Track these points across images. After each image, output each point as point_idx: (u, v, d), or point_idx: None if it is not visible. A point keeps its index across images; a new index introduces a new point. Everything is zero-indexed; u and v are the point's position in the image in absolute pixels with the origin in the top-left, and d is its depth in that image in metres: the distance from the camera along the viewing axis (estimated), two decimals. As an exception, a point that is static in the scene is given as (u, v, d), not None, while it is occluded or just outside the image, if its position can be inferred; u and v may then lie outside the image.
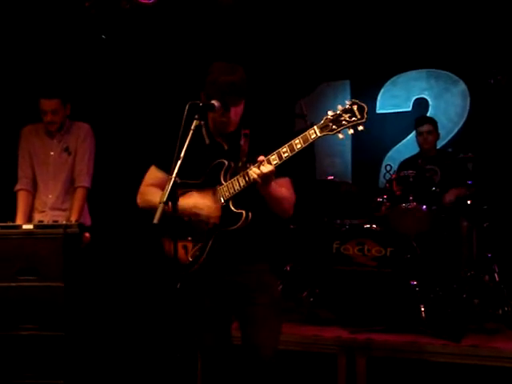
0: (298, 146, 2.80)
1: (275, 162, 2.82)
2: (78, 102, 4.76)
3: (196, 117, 2.80)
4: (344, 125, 2.76)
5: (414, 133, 6.05)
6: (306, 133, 2.80)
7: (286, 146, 2.82)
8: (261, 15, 6.60)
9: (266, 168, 2.80)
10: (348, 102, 2.79)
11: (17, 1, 5.66)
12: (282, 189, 3.03)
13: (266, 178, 2.82)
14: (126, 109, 6.56)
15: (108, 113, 6.35)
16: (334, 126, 2.76)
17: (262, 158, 2.83)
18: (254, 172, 2.83)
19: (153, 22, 6.43)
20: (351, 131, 2.78)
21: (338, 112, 2.78)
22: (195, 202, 2.99)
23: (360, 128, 2.77)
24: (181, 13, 6.43)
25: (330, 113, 2.79)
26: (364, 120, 2.75)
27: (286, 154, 2.82)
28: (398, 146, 6.88)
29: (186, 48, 6.69)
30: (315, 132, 2.78)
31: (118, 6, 6.14)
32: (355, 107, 2.76)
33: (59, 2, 5.91)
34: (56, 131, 4.64)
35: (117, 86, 6.56)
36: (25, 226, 4.11)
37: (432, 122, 5.85)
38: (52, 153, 4.66)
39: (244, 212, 2.93)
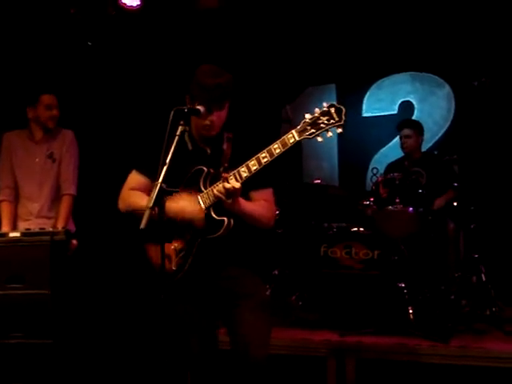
0: (277, 150, 2.80)
1: (255, 168, 2.82)
2: (62, 108, 4.74)
3: (181, 122, 2.80)
4: (322, 128, 2.75)
5: (399, 136, 6.09)
6: (285, 137, 2.80)
7: (265, 151, 2.82)
8: (246, 20, 6.61)
9: (229, 184, 2.80)
10: (325, 105, 2.78)
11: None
12: (257, 205, 3.03)
13: (229, 194, 2.81)
14: (109, 114, 6.55)
15: (92, 118, 6.34)
16: (312, 130, 2.76)
17: (225, 175, 2.83)
18: (216, 190, 2.85)
19: (138, 28, 6.43)
20: (330, 134, 2.77)
21: (316, 115, 2.77)
22: (182, 205, 2.96)
23: (339, 130, 2.76)
24: (166, 18, 6.43)
25: (307, 116, 2.79)
26: (342, 122, 2.74)
27: (265, 160, 2.82)
28: (384, 148, 6.90)
29: (172, 53, 6.69)
30: (294, 136, 2.78)
31: (104, 12, 6.13)
32: (333, 109, 2.76)
33: (44, 8, 5.90)
34: (44, 134, 4.62)
35: (101, 92, 6.55)
36: (11, 234, 4.08)
37: (412, 125, 5.85)
38: (37, 159, 4.62)
39: (226, 219, 2.91)
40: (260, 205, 3.05)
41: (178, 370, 3.12)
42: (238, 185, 2.81)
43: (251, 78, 6.73)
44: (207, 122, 2.99)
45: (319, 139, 2.78)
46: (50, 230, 4.12)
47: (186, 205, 2.96)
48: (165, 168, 2.67)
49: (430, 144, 6.54)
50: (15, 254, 3.96)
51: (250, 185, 2.95)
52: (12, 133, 4.72)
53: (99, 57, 6.51)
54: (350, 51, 6.82)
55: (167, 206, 2.78)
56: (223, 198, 2.83)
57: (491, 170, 6.04)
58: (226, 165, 3.00)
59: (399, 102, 6.96)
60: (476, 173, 5.92)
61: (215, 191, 2.87)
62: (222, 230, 2.91)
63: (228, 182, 2.81)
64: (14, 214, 4.63)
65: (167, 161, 2.68)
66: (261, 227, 3.10)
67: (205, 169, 2.99)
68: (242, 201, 2.92)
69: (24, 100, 4.64)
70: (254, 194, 3.06)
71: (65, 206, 4.58)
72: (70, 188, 4.62)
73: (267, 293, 5.22)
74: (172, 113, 2.77)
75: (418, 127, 5.84)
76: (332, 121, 2.75)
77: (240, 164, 2.87)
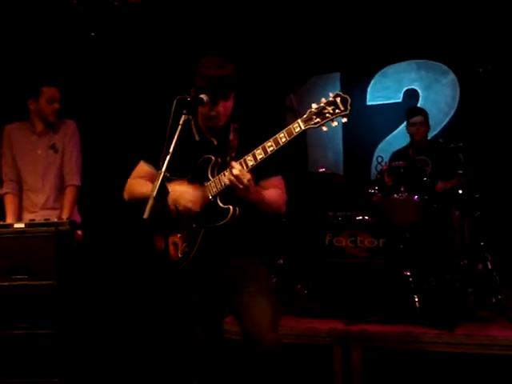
0: (283, 139, 2.82)
1: (260, 157, 2.84)
2: (66, 98, 4.73)
3: (184, 111, 2.80)
4: (328, 117, 2.77)
5: (404, 124, 6.06)
6: (291, 126, 2.82)
7: (271, 140, 2.84)
8: (250, 9, 6.59)
9: (236, 171, 2.81)
10: (331, 95, 2.80)
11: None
12: (268, 191, 3.05)
13: (239, 182, 2.82)
14: (114, 104, 6.55)
15: (97, 109, 6.35)
16: (317, 119, 2.78)
17: (234, 163, 2.84)
18: (224, 178, 2.87)
19: (141, 19, 6.41)
20: (335, 123, 2.79)
21: (322, 105, 2.79)
22: (175, 188, 2.95)
23: (344, 120, 2.78)
24: (169, 8, 6.41)
25: (313, 106, 2.81)
26: (347, 112, 2.76)
27: (270, 148, 2.83)
28: (389, 137, 6.89)
29: (175, 43, 6.68)
30: (299, 125, 2.80)
31: (107, 2, 6.12)
32: (338, 99, 2.77)
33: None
34: (45, 126, 4.60)
35: (105, 83, 6.55)
36: (16, 225, 4.07)
37: (424, 113, 5.87)
38: (39, 151, 4.61)
39: (231, 207, 2.93)
40: (271, 192, 3.07)
41: (183, 358, 3.13)
42: (244, 171, 2.82)
43: (255, 67, 6.71)
44: (213, 113, 3.01)
45: (324, 128, 2.80)
46: (55, 220, 4.13)
47: (185, 190, 2.98)
48: (168, 157, 2.68)
49: (435, 132, 6.51)
50: (20, 245, 3.97)
51: (260, 174, 2.97)
52: (12, 125, 4.70)
53: (102, 48, 6.50)
54: (354, 39, 6.80)
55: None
56: (237, 184, 2.82)
57: (496, 158, 6.03)
58: (233, 155, 3.02)
59: (404, 90, 6.93)
60: (481, 160, 5.91)
61: (226, 180, 2.88)
62: (227, 218, 2.93)
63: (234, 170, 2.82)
64: (18, 206, 4.63)
65: (170, 150, 2.69)
66: (273, 213, 3.14)
67: (212, 158, 3.01)
68: (254, 188, 2.93)
69: (25, 91, 4.62)
70: (264, 183, 3.08)
71: (69, 196, 4.58)
72: (74, 179, 4.63)
73: (272, 280, 5.24)
74: (175, 102, 2.78)
75: (427, 116, 5.87)
76: (337, 110, 2.77)
77: (247, 154, 2.89)
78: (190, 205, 2.96)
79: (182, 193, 2.97)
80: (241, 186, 2.83)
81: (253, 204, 2.97)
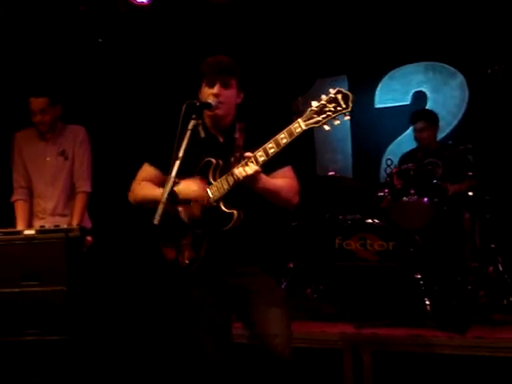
0: (284, 140, 2.74)
1: (262, 159, 2.77)
2: (75, 105, 4.73)
3: (193, 116, 2.80)
4: (329, 116, 2.66)
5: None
6: (291, 126, 2.73)
7: (272, 141, 2.76)
8: (256, 13, 6.59)
9: (250, 169, 2.76)
10: (332, 91, 2.69)
11: (10, 3, 5.65)
12: (279, 180, 2.98)
13: (251, 178, 2.78)
14: (123, 109, 6.57)
15: (106, 114, 6.37)
16: (318, 118, 2.68)
17: (248, 154, 2.79)
18: (238, 173, 2.79)
19: (149, 25, 6.43)
20: (337, 122, 2.69)
21: (322, 102, 2.68)
22: (187, 184, 2.94)
23: (346, 118, 2.68)
24: (176, 13, 6.42)
25: (314, 104, 2.71)
26: (349, 109, 2.65)
27: (272, 150, 2.76)
28: (398, 139, 6.85)
29: (183, 47, 6.69)
30: (300, 125, 2.71)
31: (114, 9, 6.14)
32: (339, 96, 2.66)
33: (54, 6, 5.91)
34: (48, 132, 4.58)
35: (113, 88, 6.58)
36: (26, 232, 4.08)
37: (426, 117, 5.72)
38: (48, 158, 4.61)
39: (235, 212, 2.86)
40: (280, 180, 3.00)
41: (193, 366, 3.11)
42: (257, 168, 2.77)
43: (262, 70, 6.72)
44: (211, 97, 2.96)
45: (326, 127, 2.70)
46: (65, 227, 4.14)
47: (191, 184, 2.94)
48: (177, 162, 2.66)
49: (444, 134, 6.48)
50: (30, 252, 3.98)
51: (268, 167, 2.89)
52: (22, 132, 4.70)
53: (110, 53, 6.52)
54: (361, 42, 6.78)
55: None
56: (245, 181, 2.78)
57: (506, 159, 5.99)
58: (237, 154, 2.97)
59: (412, 92, 6.90)
60: (491, 162, 5.87)
61: (236, 174, 2.80)
62: (231, 223, 2.87)
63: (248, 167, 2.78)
64: (28, 212, 4.63)
65: (180, 155, 2.67)
66: (284, 204, 3.06)
67: (213, 161, 2.96)
68: (264, 178, 2.87)
69: None
70: (274, 175, 3.00)
71: (79, 203, 4.58)
72: (84, 185, 4.63)
73: (282, 286, 5.23)
74: (184, 106, 2.77)
75: (431, 118, 5.72)
76: (339, 108, 2.65)
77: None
78: (198, 195, 2.91)
79: (188, 184, 2.92)
80: (252, 184, 2.79)
81: (261, 194, 2.90)
